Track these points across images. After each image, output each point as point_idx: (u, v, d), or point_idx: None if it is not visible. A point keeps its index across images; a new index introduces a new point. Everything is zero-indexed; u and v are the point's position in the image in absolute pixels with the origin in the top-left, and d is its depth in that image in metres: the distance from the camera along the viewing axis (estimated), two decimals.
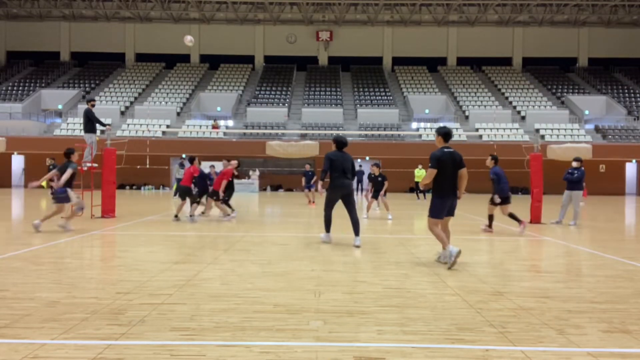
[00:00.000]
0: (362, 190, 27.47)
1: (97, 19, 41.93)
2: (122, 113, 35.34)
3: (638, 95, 38.27)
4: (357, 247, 8.09)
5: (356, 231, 8.28)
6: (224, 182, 12.51)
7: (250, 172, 30.61)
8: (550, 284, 5.57)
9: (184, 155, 25.89)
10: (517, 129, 32.78)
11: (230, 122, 34.75)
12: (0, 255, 6.87)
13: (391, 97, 37.86)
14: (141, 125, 32.32)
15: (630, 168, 33.21)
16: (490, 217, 10.72)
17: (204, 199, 13.29)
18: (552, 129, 33.06)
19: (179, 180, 21.60)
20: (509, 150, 22.35)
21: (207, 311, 4.31)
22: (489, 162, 10.86)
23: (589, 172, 15.87)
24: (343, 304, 4.62)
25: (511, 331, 3.87)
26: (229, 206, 13.25)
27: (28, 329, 3.76)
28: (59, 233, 9.38)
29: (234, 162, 12.91)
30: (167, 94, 37.71)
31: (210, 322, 4.01)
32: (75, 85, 39.09)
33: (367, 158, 31.50)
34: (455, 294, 5.02)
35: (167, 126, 32.86)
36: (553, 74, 42.02)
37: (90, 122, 12.77)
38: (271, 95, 38.19)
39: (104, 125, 13.09)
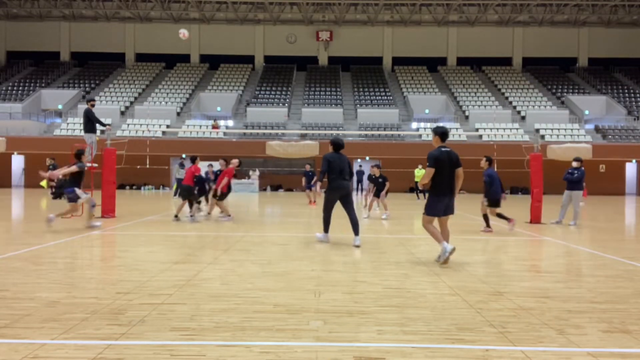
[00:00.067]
0: (362, 190, 27.48)
1: (97, 19, 41.93)
2: (122, 113, 35.34)
3: (638, 95, 38.27)
4: (357, 246, 8.11)
5: (356, 231, 8.31)
6: (225, 180, 12.46)
7: (250, 172, 30.60)
8: (550, 284, 5.57)
9: (184, 155, 25.90)
10: (517, 129, 32.78)
11: (230, 122, 34.75)
12: (0, 255, 6.87)
13: (391, 97, 37.86)
14: (141, 125, 32.31)
15: (630, 168, 33.21)
16: (485, 217, 10.77)
17: (202, 201, 13.28)
18: (552, 129, 33.06)
19: (179, 180, 21.63)
20: (509, 150, 22.34)
21: (207, 311, 4.31)
22: (483, 163, 10.88)
23: (589, 172, 15.87)
24: (343, 304, 4.62)
25: (511, 331, 3.87)
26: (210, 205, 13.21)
27: (28, 329, 3.76)
28: (59, 233, 9.39)
29: (235, 161, 12.82)
30: (167, 94, 37.71)
31: (210, 322, 4.01)
32: (75, 85, 39.09)
33: (367, 158, 31.50)
34: (455, 294, 5.02)
35: (167, 126, 32.86)
36: (553, 74, 42.02)
37: (90, 122, 12.77)
38: (271, 95, 38.20)
39: (104, 125, 13.09)
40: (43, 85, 38.45)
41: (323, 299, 4.76)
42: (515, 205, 20.03)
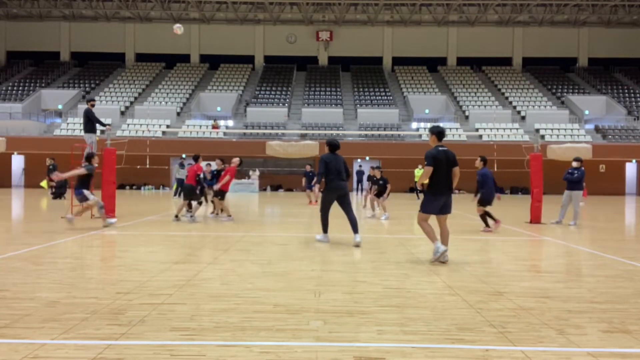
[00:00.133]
0: (362, 190, 27.48)
1: (97, 19, 41.93)
2: (122, 113, 35.33)
3: (638, 95, 38.27)
4: (358, 244, 8.13)
5: (355, 229, 8.34)
6: (228, 177, 12.40)
7: (250, 172, 30.61)
8: (550, 284, 5.57)
9: (184, 155, 25.88)
10: (517, 129, 32.78)
11: (230, 122, 34.74)
12: (0, 255, 6.87)
13: (391, 97, 37.86)
14: (141, 125, 32.31)
15: (630, 168, 33.21)
16: (483, 217, 10.82)
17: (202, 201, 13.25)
18: (552, 129, 33.05)
19: (179, 180, 21.62)
20: (509, 150, 22.35)
21: (207, 311, 4.31)
22: (478, 163, 10.97)
23: (589, 172, 15.86)
24: (343, 304, 4.62)
25: (511, 331, 3.87)
26: (214, 206, 13.15)
27: (28, 329, 3.76)
28: (59, 233, 9.39)
29: (236, 160, 12.66)
30: (167, 94, 37.71)
31: (210, 322, 4.01)
32: (75, 85, 39.09)
33: (367, 158, 31.51)
34: (455, 294, 5.02)
35: (167, 126, 32.86)
36: (553, 74, 42.01)
37: (90, 122, 12.76)
38: (271, 95, 38.19)
39: (104, 125, 13.08)
40: (43, 85, 38.45)
41: (323, 299, 4.76)
42: (515, 205, 20.03)
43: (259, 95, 38.05)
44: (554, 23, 41.52)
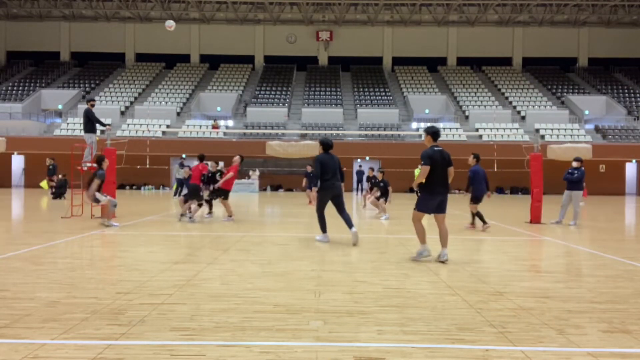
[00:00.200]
0: (362, 190, 27.48)
1: (97, 19, 41.93)
2: (122, 113, 35.33)
3: (638, 95, 38.26)
4: (355, 234, 8.27)
5: (350, 224, 8.44)
6: (230, 174, 12.33)
7: (250, 172, 30.61)
8: (550, 284, 5.57)
9: (184, 155, 25.89)
10: (517, 129, 32.78)
11: (230, 122, 34.74)
12: (0, 255, 6.87)
13: (391, 97, 37.85)
14: (141, 125, 32.31)
15: (630, 168, 33.21)
16: (478, 215, 10.96)
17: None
18: (552, 129, 33.05)
19: (178, 180, 21.61)
20: (509, 150, 22.36)
21: (207, 311, 4.31)
22: (471, 160, 11.15)
23: (589, 172, 15.87)
24: (343, 304, 4.62)
25: (511, 331, 3.87)
26: (211, 206, 13.08)
27: (28, 329, 3.76)
28: (59, 233, 9.39)
29: (237, 159, 12.53)
30: (167, 94, 37.71)
31: (210, 322, 4.01)
32: (75, 85, 39.09)
33: (367, 158, 31.51)
34: (455, 294, 5.02)
35: (167, 126, 32.86)
36: (553, 74, 42.01)
37: (90, 122, 12.76)
38: (271, 95, 38.19)
39: (104, 125, 13.08)
40: (43, 85, 38.45)
41: (323, 299, 4.76)
42: (515, 205, 20.03)
43: (259, 95, 38.05)
44: (554, 23, 41.52)
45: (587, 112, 35.34)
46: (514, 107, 36.79)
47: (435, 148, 6.84)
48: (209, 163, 14.26)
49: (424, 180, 6.78)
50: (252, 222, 12.36)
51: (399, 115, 34.95)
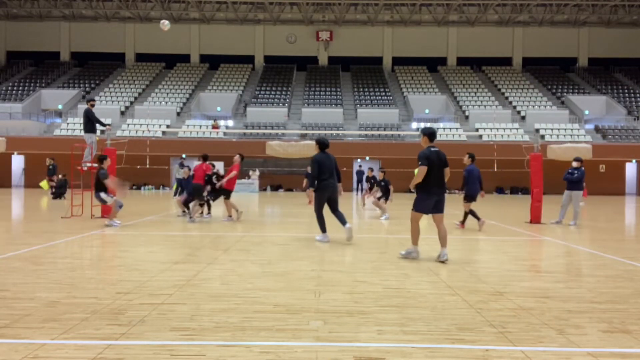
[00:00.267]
0: (362, 190, 27.47)
1: (97, 19, 41.93)
2: (122, 113, 35.33)
3: (638, 95, 38.26)
4: (349, 230, 8.40)
5: (343, 221, 8.52)
6: (233, 173, 12.30)
7: (250, 172, 30.61)
8: (550, 284, 5.57)
9: (184, 155, 25.87)
10: (517, 129, 32.78)
11: (230, 122, 34.74)
12: (0, 255, 6.87)
13: (391, 97, 37.85)
14: (141, 125, 32.31)
15: (630, 168, 33.20)
16: (472, 213, 11.09)
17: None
18: (552, 129, 33.05)
19: (178, 180, 21.59)
20: (509, 150, 22.36)
21: (207, 311, 4.31)
22: (466, 159, 11.28)
23: (589, 172, 15.86)
24: (343, 304, 4.62)
25: (511, 331, 3.87)
26: (209, 207, 13.06)
27: (28, 329, 3.76)
28: (58, 233, 9.39)
29: (237, 158, 12.48)
30: (167, 94, 37.71)
31: (210, 322, 4.01)
32: (75, 85, 39.09)
33: (367, 158, 31.51)
34: (455, 294, 5.02)
35: (167, 126, 32.85)
36: (553, 74, 42.01)
37: (90, 122, 12.76)
38: (271, 95, 38.19)
39: (104, 125, 13.08)
40: (43, 85, 38.45)
41: (323, 299, 4.76)
42: (515, 205, 20.03)
43: (259, 95, 38.05)
44: (554, 23, 41.52)
45: (587, 112, 35.34)
46: (514, 107, 36.78)
47: (432, 149, 6.91)
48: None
49: (420, 180, 6.81)
50: (252, 222, 12.36)
51: (399, 115, 34.95)
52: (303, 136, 31.28)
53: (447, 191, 7.61)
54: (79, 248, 7.82)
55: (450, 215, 12.39)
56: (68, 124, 32.92)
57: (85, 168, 12.66)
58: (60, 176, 21.05)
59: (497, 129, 32.73)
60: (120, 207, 10.79)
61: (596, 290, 5.31)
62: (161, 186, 32.38)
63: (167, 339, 3.59)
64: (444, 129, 31.90)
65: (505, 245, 8.75)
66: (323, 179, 8.42)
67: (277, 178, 32.87)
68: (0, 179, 31.60)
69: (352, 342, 3.60)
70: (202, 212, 12.64)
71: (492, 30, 42.13)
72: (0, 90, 37.28)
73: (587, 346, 3.57)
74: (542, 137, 30.96)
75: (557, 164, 22.05)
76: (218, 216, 13.16)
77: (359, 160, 31.86)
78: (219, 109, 35.88)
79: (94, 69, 42.22)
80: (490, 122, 33.47)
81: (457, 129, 32.47)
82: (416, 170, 6.94)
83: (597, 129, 34.24)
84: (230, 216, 12.46)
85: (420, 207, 6.95)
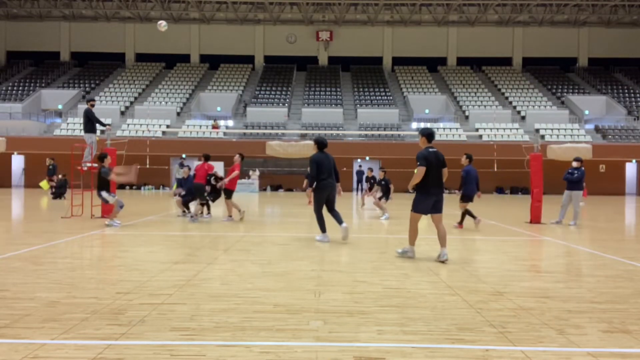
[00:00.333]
0: (362, 190, 27.48)
1: (97, 19, 41.93)
2: (122, 113, 35.33)
3: (638, 95, 38.26)
4: (345, 229, 8.49)
5: (340, 221, 8.56)
6: (235, 173, 12.28)
7: (250, 172, 30.61)
8: (550, 284, 5.57)
9: (184, 155, 25.88)
10: (517, 129, 32.78)
11: (230, 122, 34.74)
12: (0, 255, 6.87)
13: (391, 97, 37.85)
14: (141, 125, 32.31)
15: (630, 168, 33.20)
16: (468, 212, 11.19)
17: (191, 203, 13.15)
18: (552, 129, 33.05)
19: (178, 180, 21.59)
20: (509, 150, 22.35)
21: (207, 311, 4.31)
22: (464, 160, 11.36)
23: (589, 172, 15.87)
24: (343, 304, 4.62)
25: (511, 331, 3.87)
26: (209, 207, 13.05)
27: (28, 329, 3.76)
28: (58, 233, 9.39)
29: (237, 157, 12.45)
30: (167, 94, 37.71)
31: (210, 322, 4.01)
32: (75, 85, 39.09)
33: (367, 158, 31.50)
34: (455, 294, 5.02)
35: (167, 126, 32.85)
36: (553, 74, 42.01)
37: (90, 122, 12.77)
38: (271, 95, 38.20)
39: (104, 125, 13.08)
40: (43, 85, 38.45)
41: (323, 299, 4.76)
42: (515, 205, 20.03)
43: (259, 95, 38.04)
44: (554, 23, 41.52)
45: (587, 112, 35.34)
46: (514, 107, 36.79)
47: (430, 149, 6.94)
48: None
49: (419, 181, 6.82)
50: (252, 222, 12.36)
51: (399, 115, 34.95)
52: (303, 136, 31.27)
53: (447, 191, 7.65)
54: (79, 248, 7.82)
55: (449, 215, 12.40)
56: (68, 124, 32.92)
57: (85, 168, 12.66)
58: (60, 176, 21.05)
59: (497, 129, 32.73)
60: (122, 207, 10.79)
61: (596, 290, 5.31)
62: (161, 186, 32.38)
63: (167, 339, 3.59)
64: (444, 129, 31.90)
65: (505, 245, 8.75)
66: (322, 178, 8.43)
67: (277, 178, 32.87)
68: (0, 179, 31.59)
69: (352, 342, 3.60)
70: (201, 212, 12.63)
71: (492, 30, 42.13)
72: (0, 90, 37.28)
73: (587, 346, 3.57)
74: (542, 137, 30.96)
75: (557, 164, 22.05)
76: (218, 216, 13.16)
77: (359, 160, 31.86)
78: (219, 109, 35.88)
79: (94, 69, 42.23)
80: (490, 122, 33.47)
81: (457, 129, 32.46)
82: (416, 170, 6.94)
83: (597, 129, 34.24)
84: (231, 216, 12.45)
85: (419, 208, 6.97)
